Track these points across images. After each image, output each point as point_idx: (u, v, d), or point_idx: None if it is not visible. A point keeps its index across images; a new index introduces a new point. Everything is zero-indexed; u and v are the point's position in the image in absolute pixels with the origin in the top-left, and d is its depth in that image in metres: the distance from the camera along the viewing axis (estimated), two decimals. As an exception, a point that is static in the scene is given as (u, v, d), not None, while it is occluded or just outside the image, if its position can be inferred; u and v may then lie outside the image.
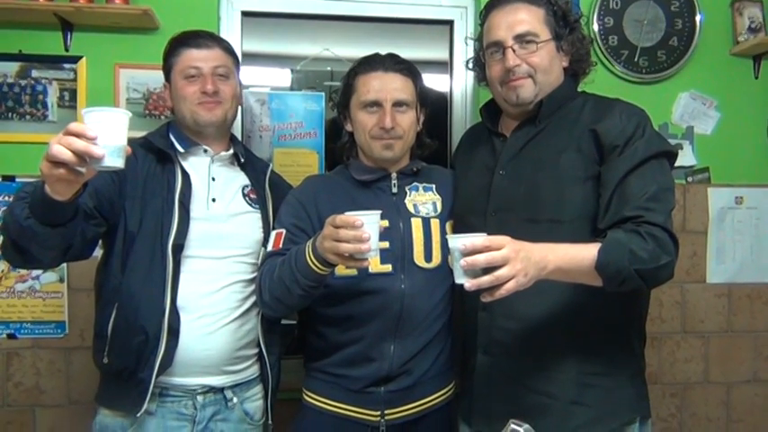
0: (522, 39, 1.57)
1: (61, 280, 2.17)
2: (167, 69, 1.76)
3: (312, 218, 1.67)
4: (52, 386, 2.17)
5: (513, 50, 1.57)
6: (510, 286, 1.25)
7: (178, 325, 1.61)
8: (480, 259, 1.23)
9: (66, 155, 1.15)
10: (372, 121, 1.68)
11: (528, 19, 1.58)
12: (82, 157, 1.16)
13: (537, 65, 1.58)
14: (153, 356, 1.58)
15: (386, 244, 1.63)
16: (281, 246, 1.63)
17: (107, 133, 1.18)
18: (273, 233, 1.68)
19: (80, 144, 1.15)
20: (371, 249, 1.39)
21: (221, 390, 1.68)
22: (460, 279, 1.27)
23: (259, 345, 1.75)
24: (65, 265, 2.14)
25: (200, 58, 1.71)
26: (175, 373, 1.62)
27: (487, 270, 1.24)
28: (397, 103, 1.68)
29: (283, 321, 1.84)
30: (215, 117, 1.71)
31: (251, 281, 1.72)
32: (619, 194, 1.44)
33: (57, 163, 1.18)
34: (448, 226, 1.73)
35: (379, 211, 1.43)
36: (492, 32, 1.62)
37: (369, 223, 1.38)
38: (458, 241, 1.27)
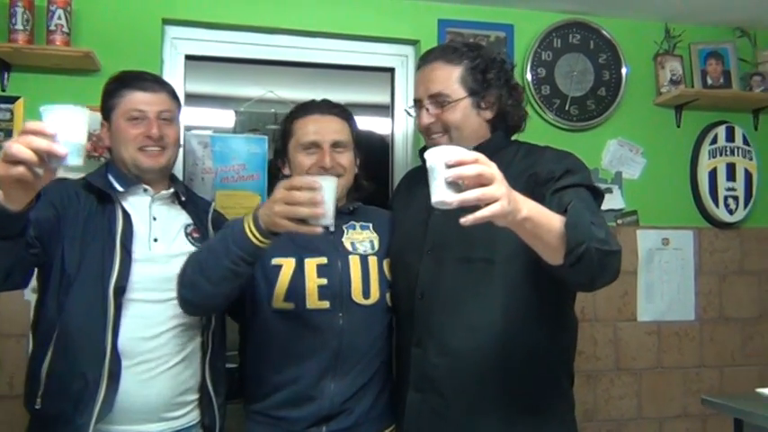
0: (434, 98, 1.65)
1: (-10, 325, 2.08)
2: (107, 109, 1.72)
3: None
4: (-24, 438, 2.07)
5: (428, 109, 1.66)
6: (495, 208, 1.13)
7: (119, 370, 1.56)
8: (470, 171, 1.13)
9: (27, 154, 1.10)
10: (311, 161, 1.71)
11: (441, 79, 1.65)
12: (42, 156, 1.12)
13: (449, 122, 1.64)
14: (92, 402, 1.53)
15: (324, 281, 1.66)
16: None
17: (67, 131, 1.15)
18: None
19: (42, 142, 1.11)
20: (327, 216, 1.35)
21: (160, 437, 1.64)
22: (441, 195, 1.15)
23: (200, 390, 1.72)
24: (-7, 309, 2.06)
25: (145, 102, 1.69)
26: (114, 421, 1.57)
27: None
28: (335, 144, 1.73)
29: (227, 365, 1.82)
30: (158, 164, 1.70)
31: (192, 325, 1.69)
32: (557, 203, 1.41)
33: (14, 163, 1.12)
34: (385, 263, 1.76)
35: (336, 178, 1.44)
36: (414, 89, 1.74)
37: (326, 188, 1.35)
38: (442, 153, 1.15)
